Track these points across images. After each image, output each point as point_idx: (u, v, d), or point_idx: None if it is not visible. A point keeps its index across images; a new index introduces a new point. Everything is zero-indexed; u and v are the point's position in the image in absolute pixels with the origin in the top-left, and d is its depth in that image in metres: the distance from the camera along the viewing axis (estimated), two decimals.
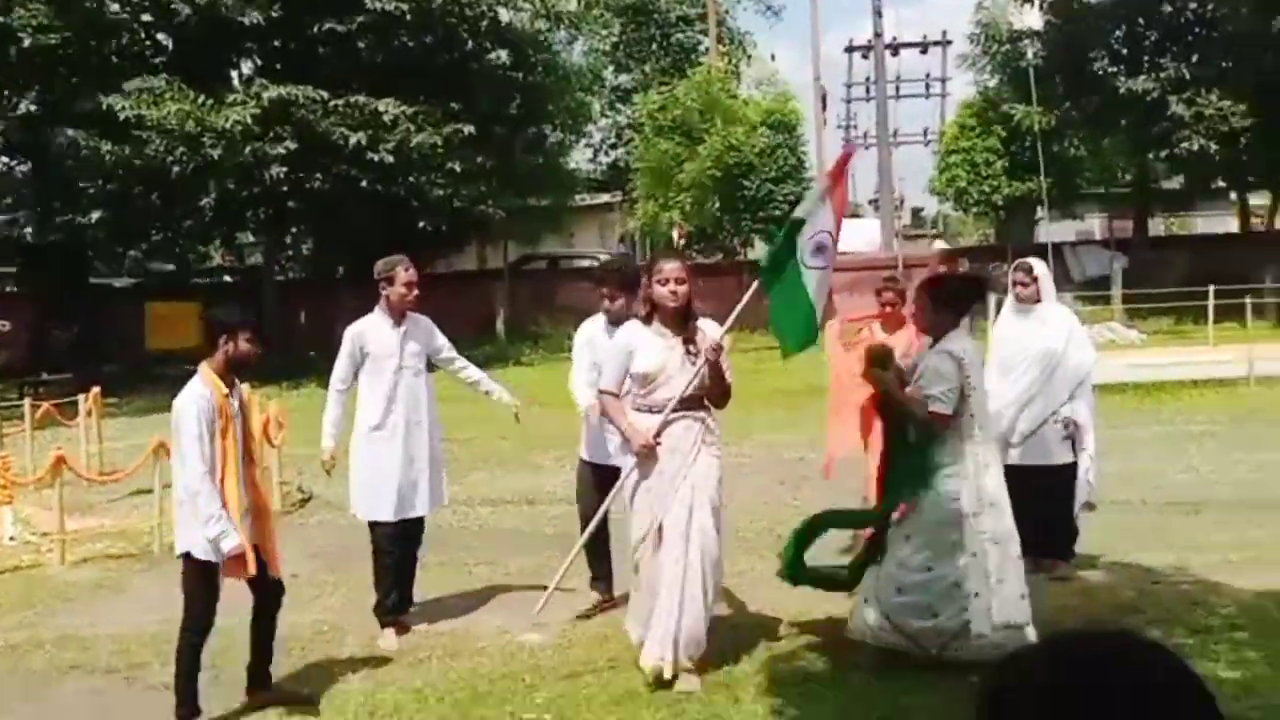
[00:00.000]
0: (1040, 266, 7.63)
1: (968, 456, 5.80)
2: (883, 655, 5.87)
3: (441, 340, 7.17)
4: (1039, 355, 7.31)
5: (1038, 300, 7.52)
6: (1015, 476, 6.40)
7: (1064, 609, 6.70)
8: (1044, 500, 7.16)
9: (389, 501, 6.84)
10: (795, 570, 6.00)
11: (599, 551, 6.98)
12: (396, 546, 6.92)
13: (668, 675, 5.65)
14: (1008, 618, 5.73)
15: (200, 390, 5.46)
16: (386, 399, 6.83)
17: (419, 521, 7.02)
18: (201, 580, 5.52)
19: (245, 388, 5.91)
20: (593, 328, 7.18)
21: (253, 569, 5.52)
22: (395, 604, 6.93)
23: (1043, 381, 7.31)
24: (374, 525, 6.92)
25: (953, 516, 5.74)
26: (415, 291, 6.93)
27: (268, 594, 5.86)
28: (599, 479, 6.88)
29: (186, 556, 5.52)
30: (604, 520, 6.49)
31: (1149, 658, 1.33)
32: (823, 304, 5.81)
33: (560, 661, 6.26)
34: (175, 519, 5.65)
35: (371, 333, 6.91)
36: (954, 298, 6.06)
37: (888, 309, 8.14)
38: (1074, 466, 7.35)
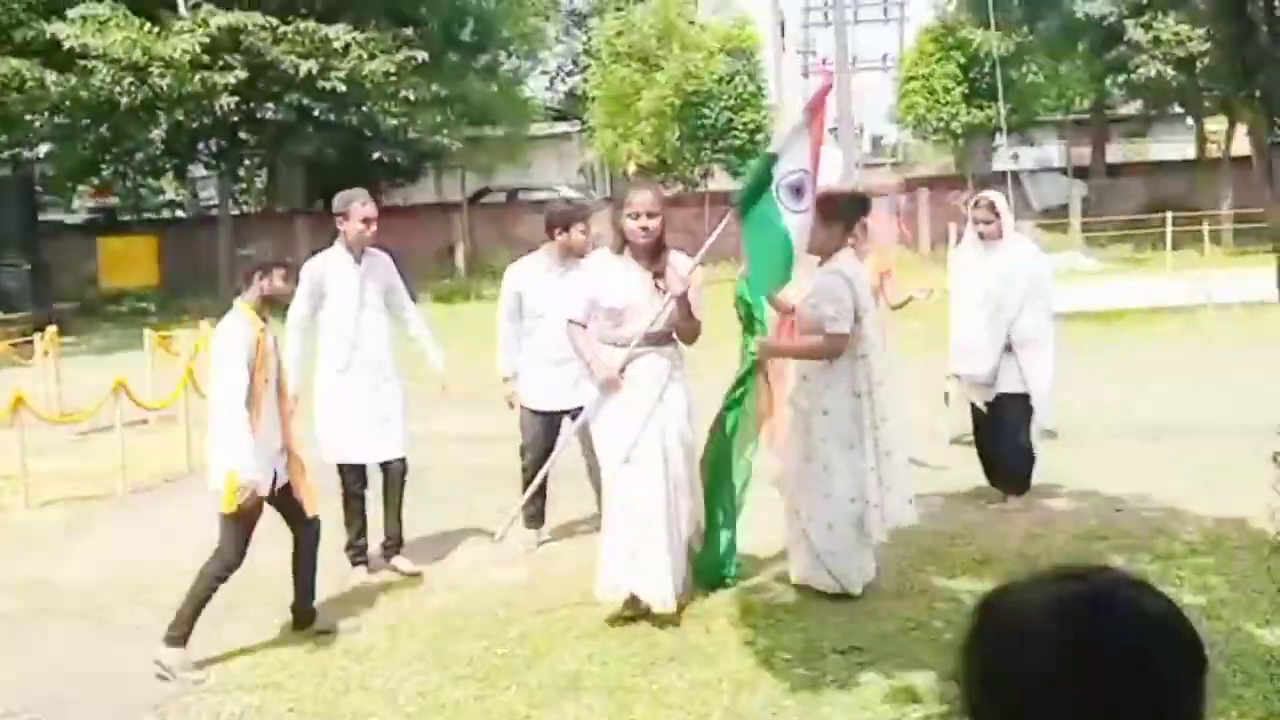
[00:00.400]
0: (1001, 201, 7.59)
1: (860, 373, 5.89)
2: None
3: (397, 280, 7.06)
4: (998, 295, 7.32)
5: (1000, 236, 7.50)
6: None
7: (1029, 536, 6.81)
8: (992, 431, 7.30)
9: (358, 443, 6.78)
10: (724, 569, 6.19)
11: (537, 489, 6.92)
12: (364, 488, 6.89)
13: (659, 608, 5.65)
14: (896, 521, 6.05)
15: (237, 324, 5.51)
16: (349, 339, 6.72)
17: (401, 462, 6.93)
18: (236, 517, 5.53)
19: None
20: (528, 273, 7.09)
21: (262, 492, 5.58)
22: (365, 543, 6.92)
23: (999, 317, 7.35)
24: (341, 468, 6.86)
25: (853, 434, 5.86)
26: (373, 227, 6.78)
27: (306, 531, 5.97)
28: (545, 424, 7.01)
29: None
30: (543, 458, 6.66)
31: (1139, 601, 1.34)
32: (802, 248, 5.70)
33: (533, 597, 6.29)
34: (209, 454, 5.63)
35: (331, 270, 6.76)
36: (842, 214, 6.07)
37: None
38: (1024, 397, 7.36)
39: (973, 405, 7.65)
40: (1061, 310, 15.33)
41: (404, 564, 6.90)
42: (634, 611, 5.73)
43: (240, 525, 5.59)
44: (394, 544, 6.98)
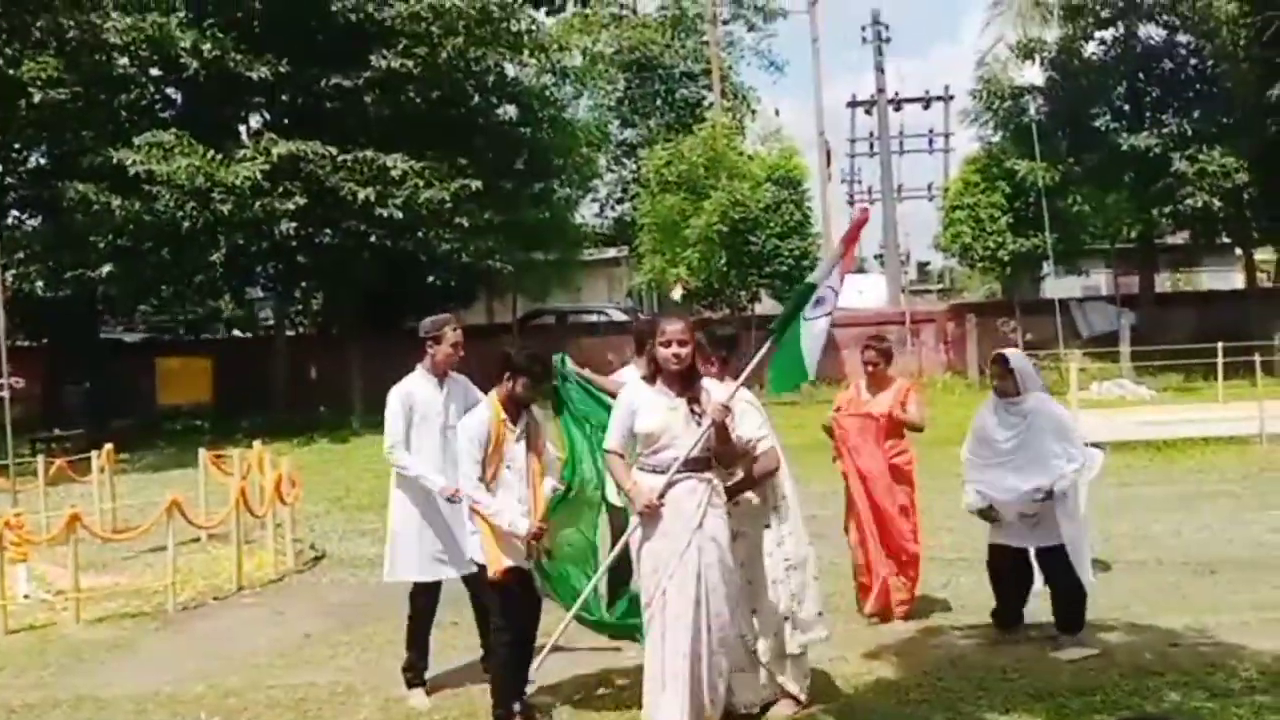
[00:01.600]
0: (1016, 359, 7.40)
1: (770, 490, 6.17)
2: None
3: (477, 396, 7.19)
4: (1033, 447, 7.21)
5: (1017, 393, 7.27)
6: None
7: (1083, 671, 6.68)
8: (1046, 576, 7.28)
9: (432, 562, 6.79)
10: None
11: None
12: (433, 607, 6.92)
13: None
14: (810, 636, 6.17)
15: (482, 413, 6.17)
16: (436, 461, 6.80)
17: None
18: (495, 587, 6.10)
19: (539, 414, 6.37)
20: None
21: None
22: (426, 665, 6.89)
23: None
24: (416, 588, 6.85)
25: (760, 551, 6.13)
26: (461, 352, 6.98)
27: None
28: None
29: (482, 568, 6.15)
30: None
31: None
32: (817, 349, 5.94)
33: None
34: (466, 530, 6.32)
35: (419, 392, 6.89)
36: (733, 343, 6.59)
37: (869, 368, 8.23)
38: (1060, 548, 7.17)
39: (991, 562, 7.58)
40: (1114, 439, 15.33)
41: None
42: None
43: (501, 590, 6.12)
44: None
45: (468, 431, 6.15)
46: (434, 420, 6.82)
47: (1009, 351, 7.54)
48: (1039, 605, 8.18)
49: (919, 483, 8.36)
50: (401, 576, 6.85)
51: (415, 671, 6.82)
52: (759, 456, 6.08)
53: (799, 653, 6.13)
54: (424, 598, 6.87)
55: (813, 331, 5.89)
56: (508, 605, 6.15)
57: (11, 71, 21.74)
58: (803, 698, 6.13)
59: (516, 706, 6.16)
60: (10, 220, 25.74)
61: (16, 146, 25.37)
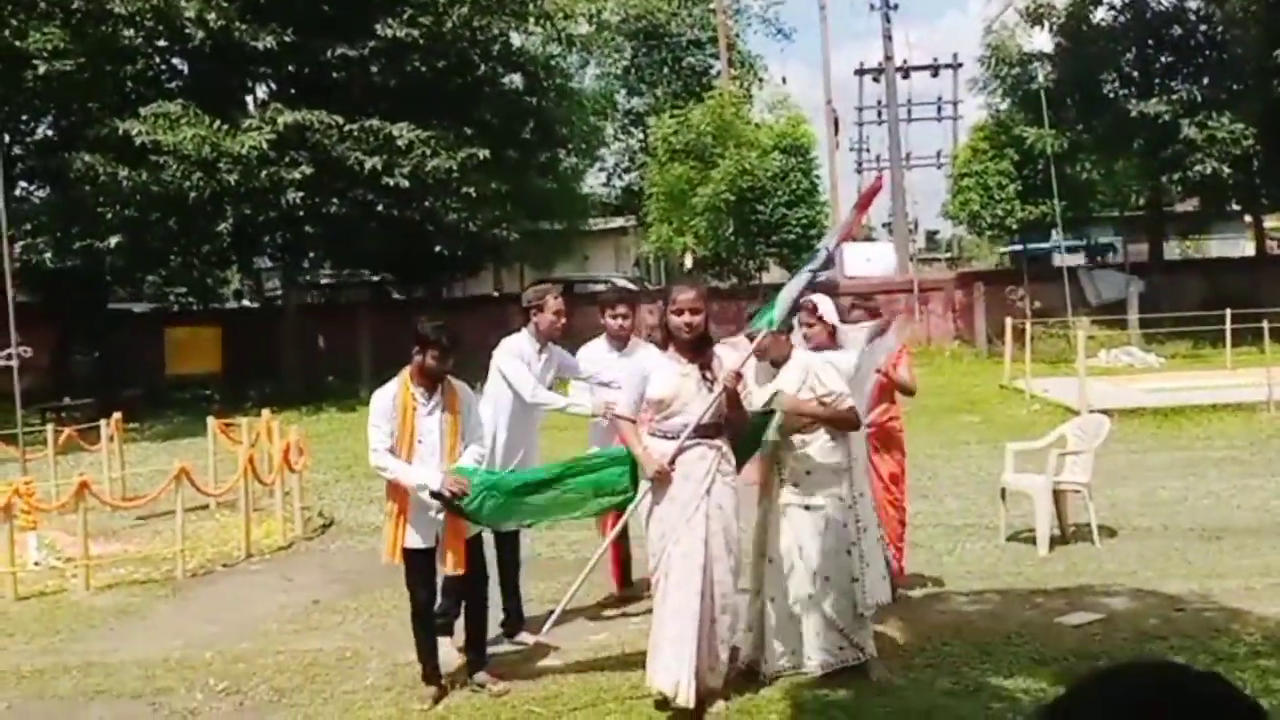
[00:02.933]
0: (825, 305, 6.79)
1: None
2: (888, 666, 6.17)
3: (572, 360, 7.48)
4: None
5: (827, 344, 6.72)
6: None
7: (1087, 636, 6.70)
8: None
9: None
10: None
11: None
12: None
13: (681, 702, 5.59)
14: (877, 597, 6.27)
15: (390, 387, 6.17)
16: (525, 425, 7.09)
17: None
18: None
19: (461, 387, 6.31)
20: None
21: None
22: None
23: None
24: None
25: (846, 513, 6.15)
26: (564, 319, 7.15)
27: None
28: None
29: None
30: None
31: (1208, 690, 1.35)
32: (789, 299, 6.03)
33: (583, 689, 6.26)
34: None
35: (529, 355, 7.07)
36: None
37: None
38: None
39: None
40: (1122, 406, 15.34)
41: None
42: (671, 703, 5.68)
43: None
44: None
45: (374, 405, 6.17)
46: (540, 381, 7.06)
47: (818, 298, 6.76)
48: (1051, 570, 8.25)
49: (929, 452, 8.37)
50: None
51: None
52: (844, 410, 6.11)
53: (867, 613, 6.19)
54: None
55: (795, 282, 6.04)
56: (409, 580, 6.25)
57: (18, 43, 21.66)
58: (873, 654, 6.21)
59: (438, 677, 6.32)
60: (18, 191, 25.65)
61: (24, 118, 25.35)
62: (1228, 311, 19.67)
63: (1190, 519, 9.82)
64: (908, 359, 7.90)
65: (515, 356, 7.01)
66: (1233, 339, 19.88)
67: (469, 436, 6.26)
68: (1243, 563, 8.24)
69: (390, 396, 6.11)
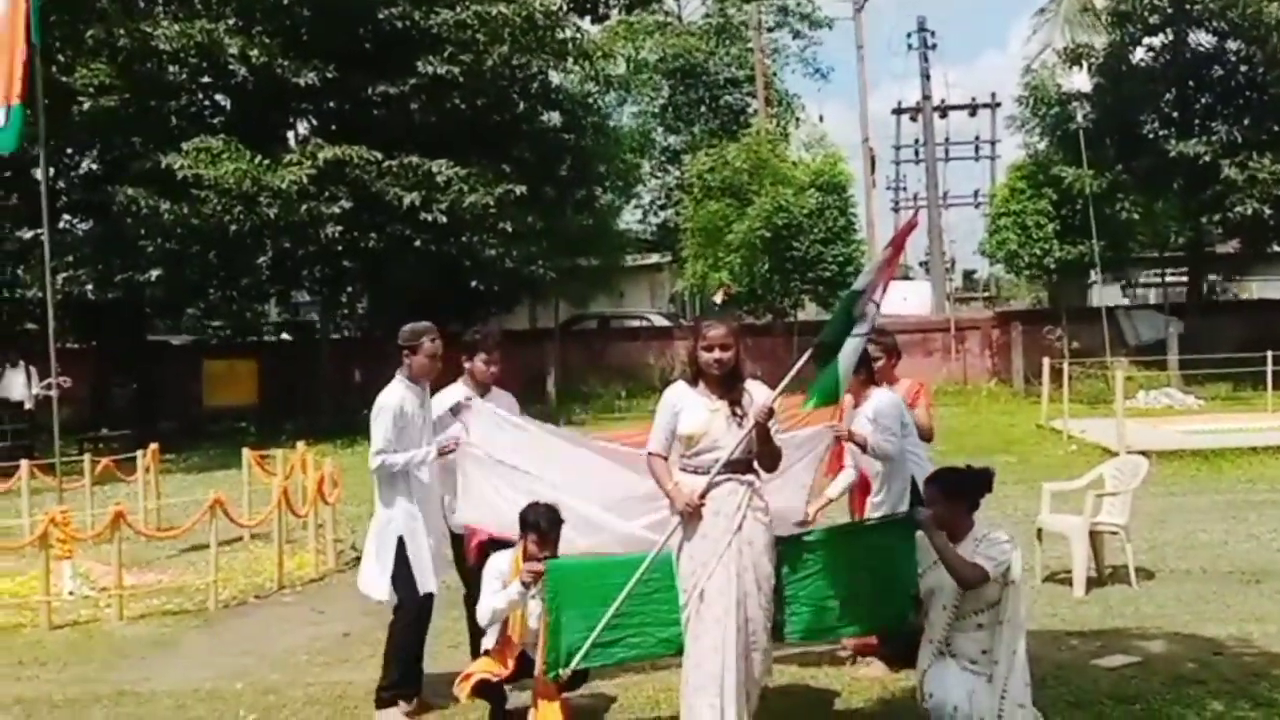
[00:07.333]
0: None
1: None
2: None
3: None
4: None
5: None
6: None
7: (1123, 679, 6.60)
8: None
9: (434, 573, 6.74)
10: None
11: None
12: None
13: None
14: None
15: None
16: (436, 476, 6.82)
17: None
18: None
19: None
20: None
21: None
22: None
23: None
24: (428, 597, 6.70)
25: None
26: (439, 362, 6.78)
27: None
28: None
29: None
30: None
31: None
32: (851, 367, 5.77)
33: None
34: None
35: (406, 403, 6.72)
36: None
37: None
38: None
39: None
40: (1161, 448, 15.17)
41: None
42: None
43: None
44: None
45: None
46: (416, 430, 6.70)
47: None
48: (1087, 612, 8.13)
49: None
50: (427, 589, 6.63)
51: (395, 690, 6.57)
52: None
53: None
54: (427, 609, 6.72)
55: (852, 350, 5.71)
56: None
57: (64, 79, 22.03)
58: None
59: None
60: (61, 224, 26.04)
61: (69, 152, 25.71)
62: (1269, 354, 19.45)
63: (1230, 562, 9.69)
64: (925, 400, 7.62)
65: (387, 411, 6.66)
66: (1274, 381, 19.64)
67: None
68: None
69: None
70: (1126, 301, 32.72)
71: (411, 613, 6.63)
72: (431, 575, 6.66)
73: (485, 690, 6.02)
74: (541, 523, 5.98)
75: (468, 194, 22.67)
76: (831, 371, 5.69)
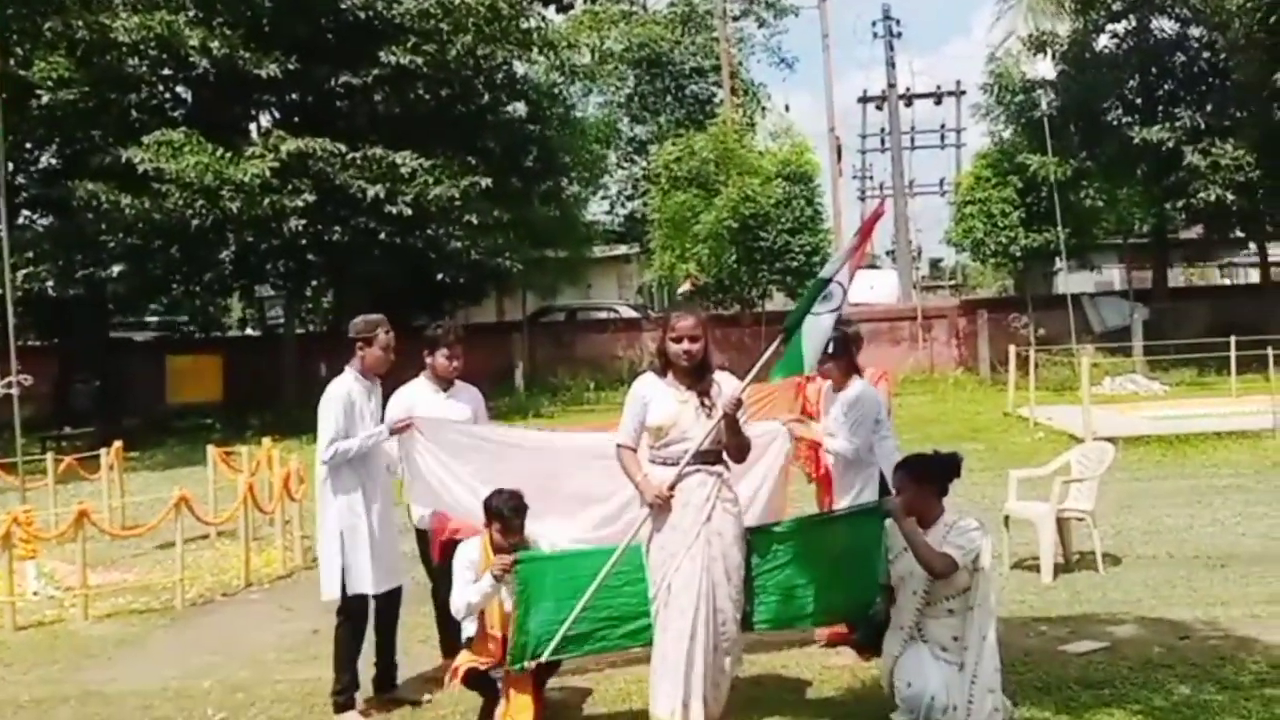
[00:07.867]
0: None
1: None
2: None
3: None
4: None
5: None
6: None
7: (1092, 664, 6.64)
8: None
9: (387, 573, 6.58)
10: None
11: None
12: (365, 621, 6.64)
13: None
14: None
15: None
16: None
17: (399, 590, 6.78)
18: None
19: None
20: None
21: None
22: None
23: None
24: (357, 601, 6.48)
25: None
26: (392, 355, 6.65)
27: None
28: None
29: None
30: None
31: None
32: (819, 343, 5.85)
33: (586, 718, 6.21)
34: None
35: (358, 395, 6.56)
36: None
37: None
38: None
39: None
40: (1126, 434, 15.28)
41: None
42: None
43: None
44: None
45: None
46: (366, 423, 6.54)
47: None
48: (1055, 598, 8.18)
49: None
50: (357, 590, 6.42)
51: (349, 693, 6.46)
52: None
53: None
54: (365, 610, 6.54)
55: (819, 326, 5.80)
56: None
57: (22, 72, 21.77)
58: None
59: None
60: (21, 220, 25.71)
61: (27, 146, 25.37)
62: (1232, 339, 19.62)
63: (1195, 547, 9.76)
64: (887, 387, 7.61)
65: (336, 400, 6.48)
66: (1238, 366, 19.82)
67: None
68: (1248, 590, 8.17)
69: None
70: (1092, 288, 32.93)
71: (344, 613, 6.50)
72: (368, 575, 6.42)
73: (475, 680, 5.98)
74: (505, 510, 5.94)
75: (433, 186, 22.58)
76: (795, 344, 5.79)
